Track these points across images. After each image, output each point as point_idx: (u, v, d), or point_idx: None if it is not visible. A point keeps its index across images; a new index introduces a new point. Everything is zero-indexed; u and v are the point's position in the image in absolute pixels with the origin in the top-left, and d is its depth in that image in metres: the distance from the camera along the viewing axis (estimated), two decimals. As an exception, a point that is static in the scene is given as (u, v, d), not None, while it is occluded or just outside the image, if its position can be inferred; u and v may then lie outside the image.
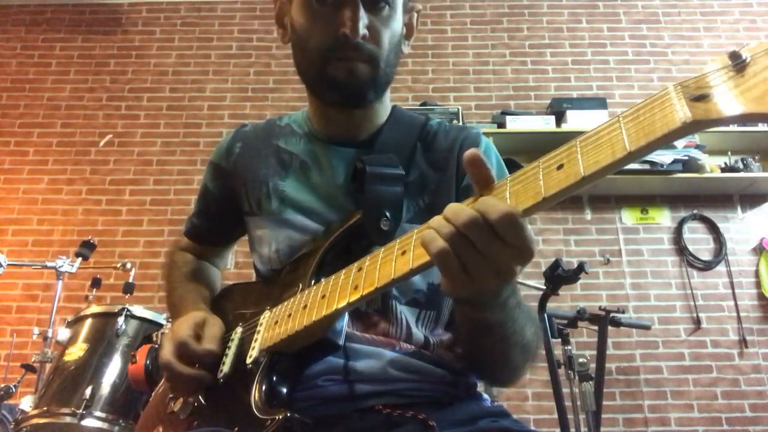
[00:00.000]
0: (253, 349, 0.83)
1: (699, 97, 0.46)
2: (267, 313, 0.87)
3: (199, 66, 3.82)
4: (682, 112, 0.46)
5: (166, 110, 3.72)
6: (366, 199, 0.86)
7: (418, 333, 0.89)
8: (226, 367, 0.86)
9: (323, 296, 0.75)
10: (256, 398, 0.77)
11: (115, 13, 3.96)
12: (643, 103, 0.50)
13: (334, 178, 0.97)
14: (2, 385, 2.35)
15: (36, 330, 2.63)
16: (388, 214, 0.86)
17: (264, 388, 0.78)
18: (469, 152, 0.59)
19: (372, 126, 1.00)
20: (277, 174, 1.00)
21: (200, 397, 0.88)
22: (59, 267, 2.58)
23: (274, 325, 0.82)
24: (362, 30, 0.87)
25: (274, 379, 0.80)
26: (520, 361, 0.81)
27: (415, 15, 1.03)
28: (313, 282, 0.84)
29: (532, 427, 0.92)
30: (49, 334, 2.49)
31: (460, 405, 0.87)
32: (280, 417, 0.72)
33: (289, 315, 0.80)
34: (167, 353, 0.87)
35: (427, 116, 1.06)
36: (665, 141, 0.47)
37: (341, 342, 0.81)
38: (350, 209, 0.90)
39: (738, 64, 0.45)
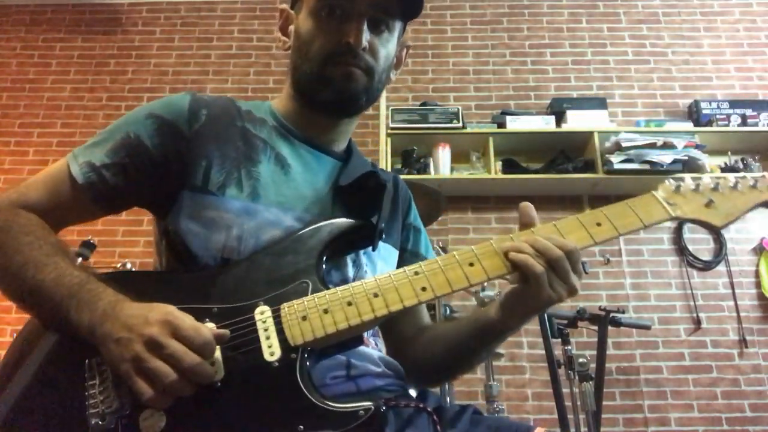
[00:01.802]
0: (271, 346, 0.79)
1: (669, 203, 0.92)
2: (264, 308, 0.82)
3: (199, 66, 3.82)
4: (669, 209, 0.93)
5: (166, 110, 3.71)
6: (379, 210, 0.96)
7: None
8: (220, 369, 0.77)
9: (375, 294, 0.81)
10: (316, 394, 0.77)
11: (115, 13, 3.96)
12: (635, 199, 0.92)
13: (315, 181, 0.99)
14: (2, 385, 2.35)
15: (36, 330, 2.63)
16: (384, 225, 0.97)
17: (312, 383, 0.78)
18: (525, 204, 0.90)
19: (343, 143, 1.08)
20: (249, 159, 0.94)
21: (182, 407, 0.74)
22: (59, 267, 2.58)
23: (301, 321, 0.80)
24: (364, 42, 0.94)
25: (309, 374, 0.80)
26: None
27: (405, 50, 1.11)
28: (322, 277, 0.87)
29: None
30: (49, 334, 2.49)
31: (421, 395, 1.01)
32: (373, 406, 0.76)
33: (326, 311, 0.81)
34: (158, 335, 0.72)
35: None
36: (655, 224, 0.91)
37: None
38: (343, 215, 0.95)
39: (677, 188, 0.95)
